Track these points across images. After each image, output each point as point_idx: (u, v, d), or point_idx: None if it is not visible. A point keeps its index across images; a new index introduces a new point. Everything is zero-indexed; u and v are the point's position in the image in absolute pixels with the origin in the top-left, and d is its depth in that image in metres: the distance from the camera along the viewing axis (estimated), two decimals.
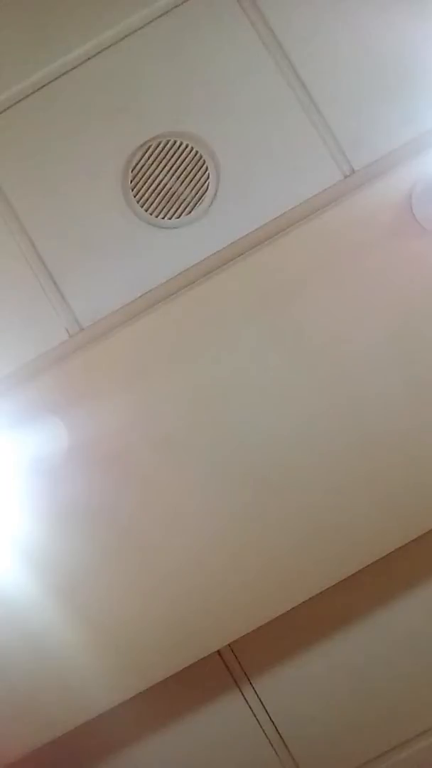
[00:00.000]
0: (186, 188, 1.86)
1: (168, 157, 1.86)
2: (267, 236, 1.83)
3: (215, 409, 1.91)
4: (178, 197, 1.86)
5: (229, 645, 2.18)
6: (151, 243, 1.87)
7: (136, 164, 1.87)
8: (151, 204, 1.87)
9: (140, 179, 1.87)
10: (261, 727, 2.21)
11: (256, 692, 2.21)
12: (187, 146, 1.86)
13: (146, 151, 1.87)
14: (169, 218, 1.87)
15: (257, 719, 2.21)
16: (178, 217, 1.87)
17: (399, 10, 1.82)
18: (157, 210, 1.87)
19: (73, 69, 1.88)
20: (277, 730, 2.21)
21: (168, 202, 1.87)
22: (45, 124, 1.89)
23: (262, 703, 2.21)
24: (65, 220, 1.88)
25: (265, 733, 2.21)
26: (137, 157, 1.87)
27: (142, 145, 1.87)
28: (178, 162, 1.86)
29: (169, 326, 1.85)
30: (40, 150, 1.88)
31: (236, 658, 2.22)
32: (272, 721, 2.21)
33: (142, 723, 2.21)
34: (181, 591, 1.99)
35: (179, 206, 1.87)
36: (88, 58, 1.88)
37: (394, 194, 1.81)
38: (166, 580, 1.98)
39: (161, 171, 1.87)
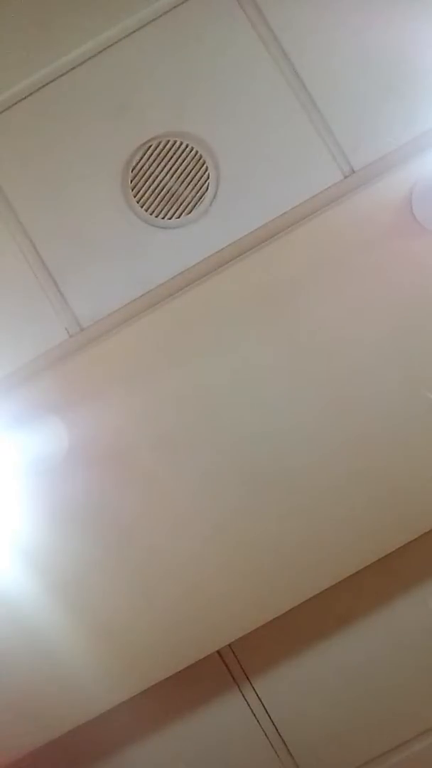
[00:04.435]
0: (186, 188, 1.86)
1: (168, 157, 1.86)
2: (267, 236, 1.83)
3: (215, 409, 1.91)
4: (178, 197, 1.86)
5: (229, 645, 2.18)
6: (151, 243, 1.87)
7: (136, 164, 1.87)
8: (151, 204, 1.87)
9: (140, 179, 1.87)
10: (261, 727, 2.21)
11: (256, 692, 2.21)
12: (187, 146, 1.86)
13: (146, 151, 1.87)
14: (169, 218, 1.87)
15: (257, 719, 2.21)
16: (178, 217, 1.87)
17: (399, 10, 1.82)
18: (157, 210, 1.87)
19: (73, 69, 1.88)
20: (277, 730, 2.21)
21: (168, 202, 1.87)
22: (45, 124, 1.89)
23: (262, 703, 2.21)
24: (65, 220, 1.88)
25: (265, 733, 2.21)
26: (137, 157, 1.87)
27: (142, 145, 1.87)
28: (178, 162, 1.86)
29: (169, 326, 1.85)
30: (40, 150, 1.88)
31: (236, 658, 2.22)
32: (272, 721, 2.21)
33: (142, 723, 2.21)
34: (181, 591, 1.99)
35: (179, 206, 1.87)
36: (88, 58, 1.88)
37: (394, 194, 1.81)
38: (166, 579, 1.98)
39: (161, 171, 1.87)
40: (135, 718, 2.18)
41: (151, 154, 1.86)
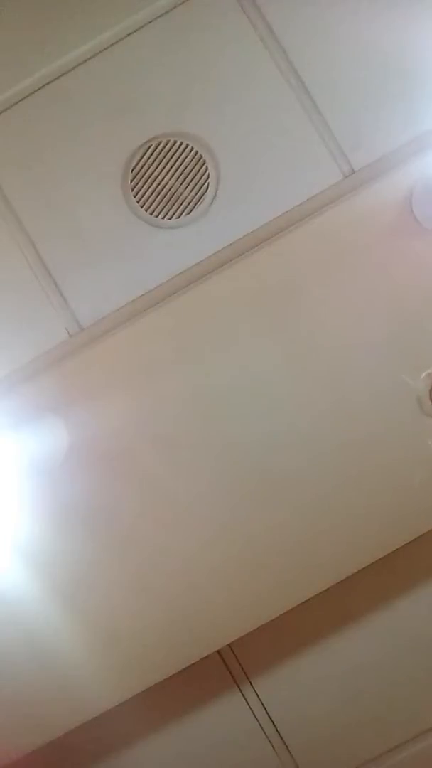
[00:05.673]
0: (186, 188, 1.86)
1: (168, 157, 1.86)
2: (267, 236, 1.83)
3: (215, 409, 1.91)
4: (178, 197, 1.86)
5: (229, 645, 2.18)
6: (151, 243, 1.87)
7: (136, 164, 1.87)
8: (151, 204, 1.87)
9: (140, 179, 1.87)
10: (261, 727, 2.21)
11: (256, 692, 2.21)
12: (187, 146, 1.86)
13: (146, 151, 1.87)
14: (169, 218, 1.87)
15: (257, 719, 2.21)
16: (178, 217, 1.87)
17: (399, 10, 1.82)
18: (157, 210, 1.87)
19: (73, 69, 1.88)
20: (277, 730, 2.21)
21: (168, 202, 1.87)
22: (45, 124, 1.89)
23: (262, 703, 2.21)
24: (65, 220, 1.88)
25: (265, 733, 2.21)
26: (137, 157, 1.87)
27: (142, 145, 1.87)
28: (178, 162, 1.86)
29: (170, 326, 1.85)
30: (40, 150, 1.89)
31: (236, 658, 2.21)
32: (272, 721, 2.21)
33: (142, 723, 2.21)
34: (181, 591, 1.99)
35: (179, 206, 1.87)
36: (88, 58, 1.88)
37: (394, 194, 1.81)
38: (166, 579, 1.98)
39: (161, 171, 1.87)
40: (135, 718, 2.18)
41: (151, 154, 1.86)
